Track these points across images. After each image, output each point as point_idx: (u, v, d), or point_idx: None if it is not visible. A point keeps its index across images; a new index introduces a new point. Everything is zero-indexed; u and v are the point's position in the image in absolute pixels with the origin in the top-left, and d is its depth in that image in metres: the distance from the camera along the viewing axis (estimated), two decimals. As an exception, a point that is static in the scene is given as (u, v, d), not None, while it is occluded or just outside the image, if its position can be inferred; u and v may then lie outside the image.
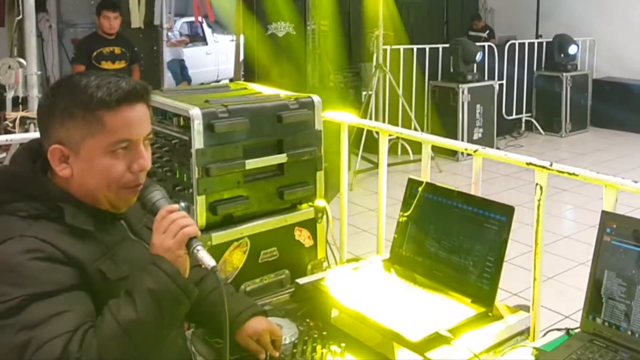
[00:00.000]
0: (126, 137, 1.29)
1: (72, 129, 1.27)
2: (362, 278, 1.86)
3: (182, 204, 1.49)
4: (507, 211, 1.70)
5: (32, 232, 1.21)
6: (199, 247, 1.27)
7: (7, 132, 3.03)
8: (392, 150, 6.34)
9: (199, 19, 9.39)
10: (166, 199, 1.36)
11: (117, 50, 5.49)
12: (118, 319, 1.18)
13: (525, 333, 1.66)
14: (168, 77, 8.77)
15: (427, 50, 7.08)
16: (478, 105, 6.85)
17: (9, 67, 3.19)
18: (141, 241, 1.42)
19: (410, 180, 1.96)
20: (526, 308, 1.89)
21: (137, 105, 1.30)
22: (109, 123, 1.27)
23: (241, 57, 6.37)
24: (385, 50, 6.43)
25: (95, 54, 5.42)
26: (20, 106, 3.21)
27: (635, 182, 1.79)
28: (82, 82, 1.28)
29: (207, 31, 11.17)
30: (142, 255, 1.35)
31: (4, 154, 3.53)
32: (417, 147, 5.36)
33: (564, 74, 7.77)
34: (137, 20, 6.16)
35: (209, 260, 1.26)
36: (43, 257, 1.18)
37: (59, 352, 1.12)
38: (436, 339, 1.51)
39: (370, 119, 6.08)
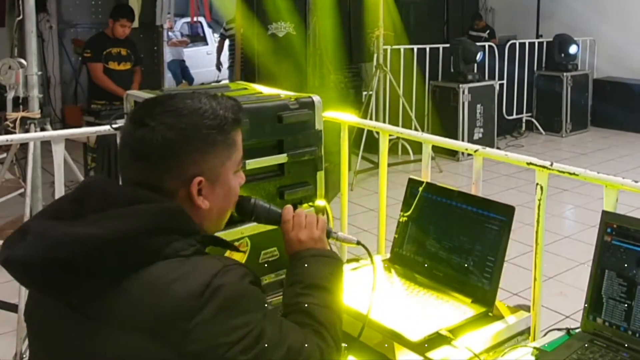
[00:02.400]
0: (241, 153, 1.29)
1: (216, 156, 1.21)
2: (362, 278, 1.86)
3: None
4: (508, 211, 1.70)
5: (224, 261, 1.14)
6: (335, 231, 1.50)
7: (7, 132, 3.03)
8: (393, 150, 6.35)
9: (195, 18, 9.41)
10: (269, 203, 1.49)
11: (124, 51, 5.56)
12: (327, 306, 1.31)
13: (525, 333, 1.66)
14: (168, 78, 8.78)
15: (428, 50, 7.08)
16: (478, 105, 6.85)
17: (10, 67, 3.19)
18: None
19: (410, 180, 1.96)
20: (526, 308, 1.89)
21: None
22: (239, 141, 1.27)
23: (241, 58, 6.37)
24: (385, 50, 6.43)
25: (104, 53, 5.47)
26: (21, 106, 3.21)
27: (636, 181, 1.79)
28: (203, 107, 1.20)
29: (208, 31, 11.19)
30: None
31: (4, 155, 3.53)
32: (417, 147, 5.36)
33: (565, 73, 7.77)
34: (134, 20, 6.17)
35: (351, 238, 1.52)
36: (253, 280, 1.16)
37: (316, 349, 1.22)
38: (436, 339, 1.51)
39: (371, 119, 6.09)
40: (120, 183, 1.23)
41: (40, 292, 1.14)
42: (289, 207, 1.46)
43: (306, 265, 1.37)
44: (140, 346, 1.04)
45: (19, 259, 1.08)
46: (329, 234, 1.47)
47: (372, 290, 1.46)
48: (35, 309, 1.19)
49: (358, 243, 1.50)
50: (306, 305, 1.29)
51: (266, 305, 1.18)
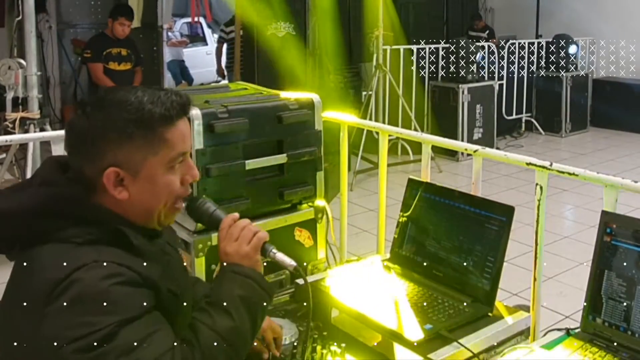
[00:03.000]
0: (183, 150, 1.27)
1: (133, 150, 1.21)
2: (362, 278, 1.86)
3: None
4: (507, 211, 1.70)
5: (104, 256, 1.14)
6: (274, 250, 1.34)
7: (7, 132, 3.03)
8: (392, 150, 6.34)
9: (196, 19, 9.41)
10: (219, 208, 1.38)
11: (124, 52, 5.56)
12: (217, 329, 1.20)
13: (525, 333, 1.66)
14: (168, 78, 8.78)
15: (427, 50, 7.08)
16: (478, 105, 6.85)
17: (9, 67, 3.19)
18: (176, 255, 1.41)
19: (410, 181, 1.96)
20: (526, 308, 1.89)
21: (186, 118, 1.29)
22: (170, 139, 1.24)
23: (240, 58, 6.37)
24: (385, 51, 6.43)
25: (104, 53, 5.47)
26: (20, 107, 3.21)
27: (636, 182, 1.79)
28: (131, 99, 1.21)
29: (207, 31, 11.18)
30: (181, 269, 1.38)
31: (3, 155, 3.53)
32: (417, 147, 5.36)
33: (564, 73, 7.77)
34: (134, 19, 6.17)
35: (289, 261, 1.34)
36: (124, 282, 1.12)
37: None
38: (436, 339, 1.51)
39: (370, 119, 6.09)
40: None
41: None
42: (233, 215, 1.37)
43: (221, 280, 1.29)
44: (19, 318, 1.12)
45: None
46: (264, 253, 1.34)
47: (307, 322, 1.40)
48: None
49: (295, 270, 1.34)
50: (198, 322, 1.22)
51: (135, 310, 1.12)
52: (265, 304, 1.29)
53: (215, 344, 1.19)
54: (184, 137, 1.27)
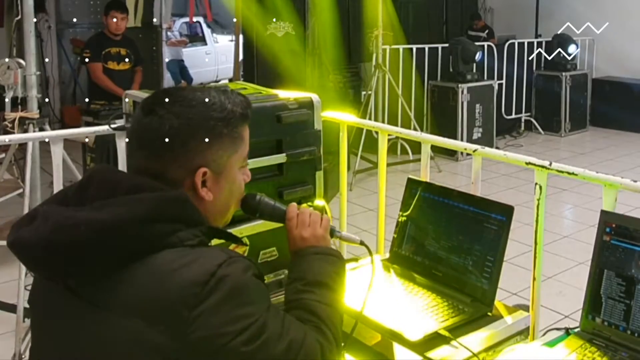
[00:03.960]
0: (248, 149, 1.32)
1: (221, 148, 1.22)
2: (362, 278, 1.86)
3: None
4: (507, 211, 1.70)
5: (229, 253, 1.14)
6: (339, 230, 1.51)
7: (6, 132, 3.03)
8: (392, 150, 6.34)
9: (194, 19, 9.40)
10: (277, 201, 1.49)
11: (123, 51, 5.56)
12: (328, 303, 1.32)
13: (524, 332, 1.66)
14: (167, 78, 8.78)
15: (427, 50, 7.08)
16: (477, 105, 6.86)
17: (8, 67, 3.18)
18: None
19: (409, 180, 1.96)
20: (525, 307, 1.89)
21: None
22: (245, 137, 1.29)
23: (240, 57, 6.38)
24: (384, 50, 6.43)
25: (103, 53, 5.47)
26: (20, 107, 3.21)
27: (635, 181, 1.79)
28: (210, 99, 1.22)
29: (207, 31, 11.19)
30: None
31: (2, 155, 3.53)
32: (416, 146, 5.36)
33: (564, 73, 7.77)
34: (132, 18, 6.18)
35: (354, 237, 1.51)
36: (257, 274, 1.17)
37: (317, 345, 1.21)
38: (436, 339, 1.51)
39: (370, 118, 6.09)
40: (127, 171, 1.25)
41: (43, 276, 1.16)
42: (294, 204, 1.47)
43: (309, 262, 1.37)
44: (140, 332, 1.04)
45: (25, 241, 1.10)
46: (332, 233, 1.47)
47: (368, 289, 1.47)
48: (38, 293, 1.21)
49: (361, 243, 1.50)
50: (308, 301, 1.30)
51: (268, 298, 1.18)
52: (346, 276, 1.44)
53: (333, 315, 1.31)
54: (248, 136, 1.31)
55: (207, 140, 1.20)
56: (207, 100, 1.21)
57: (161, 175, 1.18)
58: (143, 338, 1.04)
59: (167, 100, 1.20)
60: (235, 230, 2.06)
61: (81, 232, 1.05)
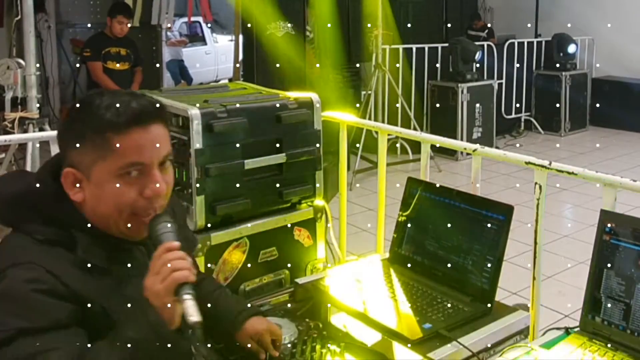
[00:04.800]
0: (137, 161, 1.21)
1: (84, 152, 1.21)
2: (362, 277, 1.86)
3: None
4: (506, 210, 1.70)
5: (43, 260, 1.16)
6: (186, 296, 1.13)
7: (6, 132, 3.03)
8: (392, 149, 6.34)
9: (193, 18, 9.39)
10: (173, 233, 1.22)
11: (123, 51, 5.56)
12: None
13: (524, 332, 1.66)
14: (167, 78, 8.78)
15: (426, 49, 7.07)
16: (477, 105, 6.85)
17: (8, 67, 3.18)
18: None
19: (409, 180, 1.96)
20: (525, 307, 1.89)
21: (150, 127, 1.23)
22: (119, 146, 1.19)
23: (240, 57, 6.37)
24: (384, 50, 6.43)
25: (103, 52, 5.47)
26: (19, 107, 3.21)
27: (634, 181, 1.79)
28: (95, 103, 1.22)
29: (207, 31, 11.18)
30: None
31: (2, 155, 3.53)
32: (416, 146, 5.36)
33: (563, 73, 7.77)
34: (134, 19, 6.17)
35: (193, 315, 1.11)
36: (44, 290, 1.13)
37: None
38: (435, 338, 1.51)
39: (370, 118, 6.09)
40: None
41: None
42: (167, 244, 1.19)
43: (129, 313, 1.18)
44: None
45: None
46: (177, 292, 1.14)
47: None
48: None
49: (195, 327, 1.11)
50: (92, 350, 1.14)
51: (43, 321, 1.11)
52: (160, 353, 1.13)
53: None
54: (141, 147, 1.21)
55: (71, 142, 1.23)
56: (90, 103, 1.23)
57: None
58: None
59: (76, 102, 1.28)
60: (234, 231, 2.06)
61: None
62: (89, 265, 1.20)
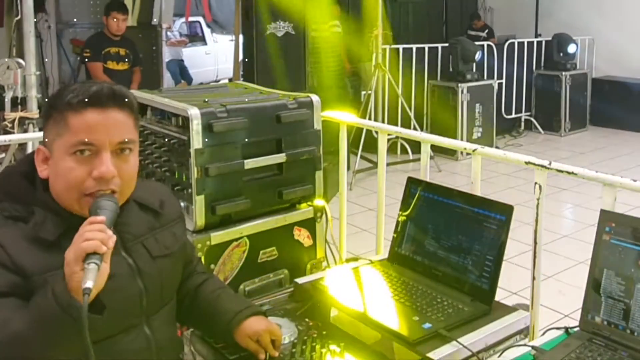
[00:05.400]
0: (87, 140, 1.26)
1: (48, 129, 1.31)
2: (361, 277, 1.86)
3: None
4: (506, 210, 1.70)
5: None
6: (89, 265, 1.12)
7: (6, 132, 3.03)
8: (392, 149, 6.35)
9: (193, 18, 9.39)
10: (109, 211, 1.23)
11: (122, 51, 5.57)
12: (4, 327, 1.14)
13: (524, 332, 1.66)
14: (167, 78, 8.77)
15: (426, 49, 7.08)
16: (477, 105, 6.85)
17: (8, 67, 3.18)
18: (119, 257, 1.34)
19: (409, 180, 1.96)
20: (525, 307, 1.89)
21: (108, 110, 1.28)
22: (72, 124, 1.27)
23: (240, 57, 6.37)
24: (384, 50, 6.43)
25: (103, 53, 5.48)
26: (19, 106, 3.20)
27: (634, 180, 1.79)
28: (68, 87, 1.32)
29: (207, 31, 11.18)
30: (117, 271, 1.26)
31: (2, 155, 3.53)
32: (416, 146, 5.35)
33: (563, 73, 7.77)
34: (129, 17, 6.16)
35: (87, 281, 1.10)
36: None
37: None
38: (435, 338, 1.51)
39: (370, 118, 6.09)
40: None
41: None
42: (92, 217, 1.20)
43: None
44: None
45: None
46: (84, 261, 1.13)
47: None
48: None
49: (85, 292, 1.09)
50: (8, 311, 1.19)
51: None
52: (60, 321, 1.13)
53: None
54: (93, 128, 1.27)
55: (44, 119, 1.33)
56: (67, 88, 1.32)
57: None
58: None
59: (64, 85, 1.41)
60: (234, 231, 2.06)
61: None
62: (37, 238, 1.26)
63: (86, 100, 1.27)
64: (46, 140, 1.32)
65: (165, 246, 1.45)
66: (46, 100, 1.38)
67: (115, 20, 5.46)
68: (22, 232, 1.27)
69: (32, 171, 1.35)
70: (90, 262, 1.12)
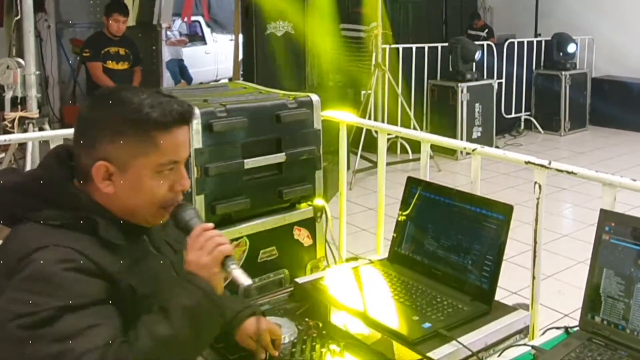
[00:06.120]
0: (175, 159, 1.31)
1: (123, 147, 1.26)
2: (361, 277, 1.86)
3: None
4: (506, 210, 1.70)
5: (66, 242, 1.20)
6: (233, 266, 1.28)
7: (5, 132, 3.03)
8: (391, 149, 6.34)
9: (192, 17, 9.39)
10: (199, 218, 1.36)
11: (122, 51, 5.57)
12: (154, 336, 1.18)
13: (524, 331, 1.66)
14: (167, 77, 8.78)
15: (426, 49, 7.07)
16: (477, 104, 6.85)
17: (8, 67, 3.18)
18: (162, 256, 1.42)
19: (409, 179, 1.96)
20: (525, 306, 1.89)
21: (185, 127, 1.33)
22: (162, 144, 1.28)
23: (240, 57, 6.38)
24: (384, 50, 6.43)
25: (103, 52, 5.47)
26: (19, 106, 3.20)
27: (634, 180, 1.79)
28: (133, 100, 1.27)
29: (206, 31, 11.18)
30: (164, 270, 1.38)
31: (2, 154, 3.53)
32: (416, 146, 5.36)
33: (563, 72, 7.77)
34: (130, 18, 6.17)
35: (244, 279, 1.26)
36: (77, 268, 1.17)
37: None
38: (435, 338, 1.51)
39: (370, 118, 6.09)
40: None
41: None
42: (204, 225, 1.33)
43: (177, 286, 1.27)
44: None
45: None
46: (223, 265, 1.28)
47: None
48: None
49: (247, 289, 1.33)
50: (141, 324, 1.20)
51: (81, 298, 1.15)
52: (214, 319, 1.25)
53: (149, 349, 1.16)
54: (179, 146, 1.31)
55: (110, 137, 1.26)
56: (127, 100, 1.28)
57: (77, 159, 1.31)
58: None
59: (104, 95, 1.31)
60: (234, 230, 2.06)
61: None
62: (112, 243, 1.27)
63: (175, 119, 1.29)
64: (114, 157, 1.26)
65: (177, 240, 1.49)
66: (97, 115, 1.29)
67: (116, 21, 5.47)
68: (88, 240, 1.24)
69: (69, 179, 1.31)
70: (232, 263, 1.28)
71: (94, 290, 1.18)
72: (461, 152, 6.37)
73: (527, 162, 2.02)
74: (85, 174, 1.28)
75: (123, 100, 1.28)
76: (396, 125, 5.90)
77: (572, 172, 1.92)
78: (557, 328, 1.59)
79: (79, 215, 1.25)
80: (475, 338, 1.53)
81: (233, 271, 1.27)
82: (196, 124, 1.94)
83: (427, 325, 1.55)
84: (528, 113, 8.06)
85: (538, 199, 1.98)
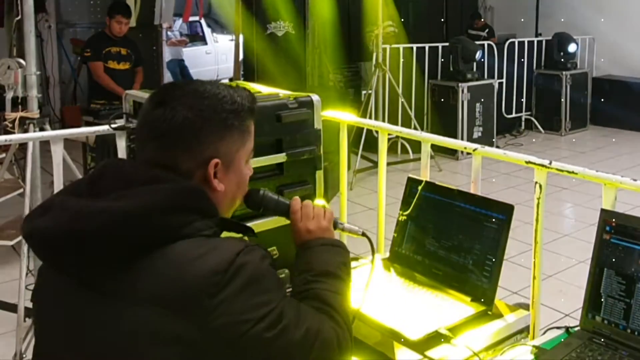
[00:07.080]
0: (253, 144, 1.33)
1: (231, 141, 1.24)
2: (362, 277, 1.86)
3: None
4: (507, 210, 1.70)
5: (245, 242, 1.16)
6: (342, 222, 1.52)
7: (6, 132, 3.03)
8: (392, 149, 6.34)
9: (192, 18, 9.40)
10: (275, 193, 1.52)
11: (124, 51, 5.57)
12: (339, 292, 1.32)
13: (524, 331, 1.66)
14: (167, 77, 8.78)
15: (427, 49, 7.07)
16: (478, 104, 6.85)
17: (8, 67, 3.18)
18: None
19: (409, 179, 1.96)
20: (526, 306, 1.89)
21: None
22: (252, 130, 1.31)
23: (240, 57, 6.38)
24: (384, 49, 6.43)
25: (104, 52, 5.48)
26: (20, 106, 3.21)
27: (635, 180, 1.79)
28: (218, 92, 1.23)
29: (207, 31, 11.18)
30: None
31: (3, 155, 3.53)
32: (416, 146, 5.36)
33: (564, 72, 7.77)
34: (131, 19, 6.18)
35: (357, 228, 1.52)
36: (272, 263, 1.19)
37: (332, 332, 1.22)
38: (436, 338, 1.51)
39: (370, 118, 6.09)
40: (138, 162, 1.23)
41: (57, 267, 1.13)
42: (297, 198, 1.48)
43: (316, 253, 1.39)
44: (160, 322, 1.04)
45: (42, 230, 1.09)
46: (335, 225, 1.49)
47: (366, 285, 1.46)
48: (45, 287, 1.18)
49: (363, 234, 1.51)
50: (318, 291, 1.30)
51: (283, 287, 1.21)
52: (349, 260, 1.45)
53: (343, 303, 1.31)
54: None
55: (218, 132, 1.21)
56: (217, 93, 1.23)
57: (173, 166, 1.18)
58: (163, 328, 1.04)
59: (178, 92, 1.21)
60: (235, 230, 2.06)
61: (102, 220, 1.05)
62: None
63: (254, 105, 1.33)
64: (224, 152, 1.22)
65: None
66: (195, 115, 1.18)
67: (118, 23, 5.47)
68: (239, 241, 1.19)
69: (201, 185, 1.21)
70: (339, 220, 1.52)
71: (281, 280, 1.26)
72: (462, 152, 6.37)
73: (528, 162, 2.02)
74: (189, 178, 1.19)
75: (211, 94, 1.22)
76: (397, 125, 5.91)
77: (572, 172, 1.91)
78: (558, 328, 1.59)
79: (214, 221, 1.19)
80: (476, 338, 1.53)
81: (344, 226, 1.52)
82: (197, 124, 1.94)
83: (427, 325, 1.55)
84: (529, 113, 8.06)
85: (539, 198, 1.98)
